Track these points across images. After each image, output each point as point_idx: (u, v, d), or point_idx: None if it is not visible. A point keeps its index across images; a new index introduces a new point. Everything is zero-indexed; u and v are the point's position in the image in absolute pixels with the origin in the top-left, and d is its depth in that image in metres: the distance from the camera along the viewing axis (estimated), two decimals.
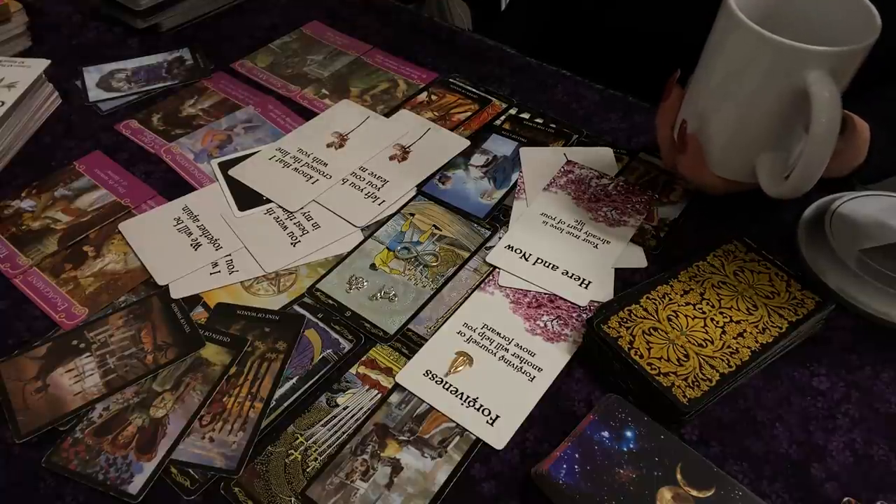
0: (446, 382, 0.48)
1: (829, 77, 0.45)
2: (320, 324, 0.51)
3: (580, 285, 0.53)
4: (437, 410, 0.46)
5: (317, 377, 0.48)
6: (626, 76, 0.70)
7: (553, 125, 0.68)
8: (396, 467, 0.44)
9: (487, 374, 0.48)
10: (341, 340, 0.51)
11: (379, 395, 0.47)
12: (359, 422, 0.46)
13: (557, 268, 0.55)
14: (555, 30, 0.74)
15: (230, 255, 0.56)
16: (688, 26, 0.54)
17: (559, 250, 0.56)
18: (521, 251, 0.56)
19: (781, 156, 0.52)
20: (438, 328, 0.51)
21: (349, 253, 0.56)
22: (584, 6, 0.71)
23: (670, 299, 0.49)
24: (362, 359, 0.49)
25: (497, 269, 0.55)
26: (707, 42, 0.51)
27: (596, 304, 0.52)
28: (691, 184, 0.58)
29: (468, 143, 0.66)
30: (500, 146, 0.66)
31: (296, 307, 0.53)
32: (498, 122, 0.68)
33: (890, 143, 0.53)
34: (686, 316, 0.48)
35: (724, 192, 0.55)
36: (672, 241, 0.57)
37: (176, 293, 0.53)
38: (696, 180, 0.56)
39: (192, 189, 0.62)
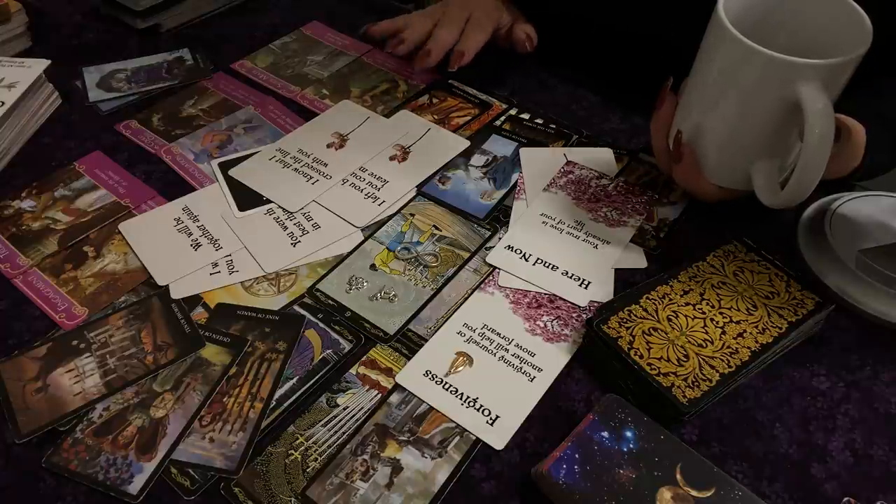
0: (446, 383, 0.48)
1: (821, 88, 0.44)
2: (320, 324, 0.51)
3: (580, 285, 0.53)
4: (437, 411, 0.46)
5: (317, 377, 0.48)
6: (623, 78, 0.70)
7: (553, 125, 0.68)
8: (396, 467, 0.44)
9: (487, 374, 0.48)
10: (341, 341, 0.51)
11: (379, 396, 0.47)
12: (359, 422, 0.46)
13: (557, 268, 0.55)
14: (552, 33, 0.74)
15: (230, 255, 0.56)
16: (679, 28, 0.54)
17: (559, 251, 0.56)
18: (520, 251, 0.56)
19: (777, 163, 0.52)
20: (438, 328, 0.51)
21: (349, 253, 0.56)
22: (576, 9, 0.72)
23: (670, 299, 0.49)
24: (362, 359, 0.49)
25: (497, 270, 0.55)
26: (699, 51, 0.51)
27: (596, 304, 0.52)
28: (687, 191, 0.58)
29: (468, 143, 0.66)
30: (499, 146, 0.65)
31: (296, 307, 0.53)
32: (498, 123, 0.68)
33: (884, 140, 0.53)
34: (686, 316, 0.48)
35: (720, 199, 0.56)
36: (672, 241, 0.57)
37: (176, 293, 0.53)
38: (692, 188, 0.56)
39: (192, 189, 0.62)
